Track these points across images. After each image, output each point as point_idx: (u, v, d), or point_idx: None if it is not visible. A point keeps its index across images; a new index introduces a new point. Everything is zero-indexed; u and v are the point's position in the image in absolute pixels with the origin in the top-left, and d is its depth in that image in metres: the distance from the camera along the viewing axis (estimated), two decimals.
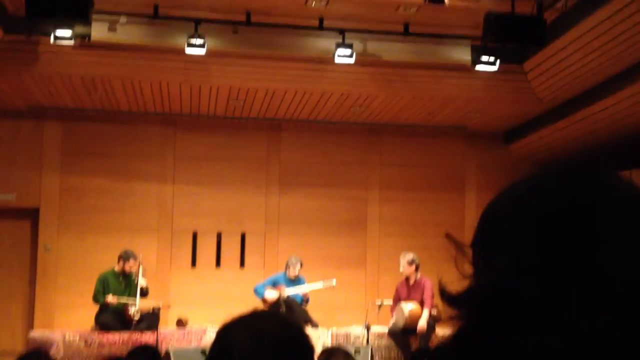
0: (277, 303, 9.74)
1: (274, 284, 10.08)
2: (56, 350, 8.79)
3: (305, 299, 10.13)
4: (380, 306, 9.82)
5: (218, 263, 11.25)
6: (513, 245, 0.72)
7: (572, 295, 0.68)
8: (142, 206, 11.08)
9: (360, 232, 11.62)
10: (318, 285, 10.25)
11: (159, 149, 11.21)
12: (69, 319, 10.36)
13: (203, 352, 8.34)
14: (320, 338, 9.53)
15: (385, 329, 9.74)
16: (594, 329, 0.67)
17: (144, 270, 9.81)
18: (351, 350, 7.92)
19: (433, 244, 10.79)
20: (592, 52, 7.92)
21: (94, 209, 10.93)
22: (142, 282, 9.69)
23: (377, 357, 9.62)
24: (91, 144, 11.00)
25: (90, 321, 9.61)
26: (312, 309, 10.06)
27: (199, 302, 10.95)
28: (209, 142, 11.33)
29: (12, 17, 8.16)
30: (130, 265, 9.68)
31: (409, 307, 9.47)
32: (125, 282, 9.70)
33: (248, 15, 8.34)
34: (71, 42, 8.19)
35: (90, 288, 9.61)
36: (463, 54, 8.86)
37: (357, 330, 9.91)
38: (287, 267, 10.18)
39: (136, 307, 9.51)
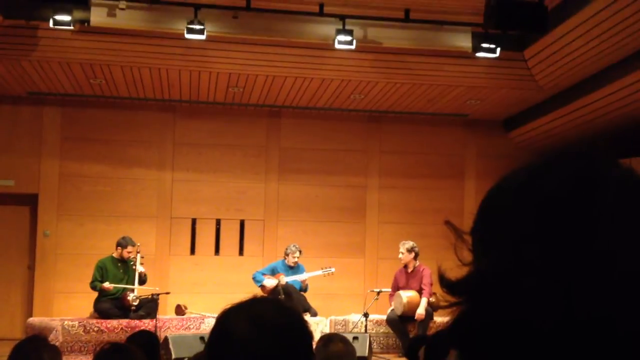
0: (275, 290, 9.76)
1: (273, 272, 10.10)
2: (55, 337, 8.82)
3: (304, 287, 10.16)
4: (378, 293, 9.85)
5: (217, 250, 11.27)
6: (513, 232, 0.72)
7: (572, 281, 0.67)
8: (141, 193, 11.09)
9: (360, 219, 11.63)
10: (317, 272, 10.28)
11: (158, 136, 11.20)
12: (68, 306, 10.39)
13: (202, 338, 8.37)
14: (318, 325, 9.56)
15: (383, 317, 9.77)
16: (593, 315, 0.66)
17: (142, 257, 9.83)
18: (349, 337, 7.95)
19: (432, 231, 10.80)
20: (593, 40, 7.90)
21: (93, 195, 10.94)
22: (140, 269, 9.71)
23: (375, 345, 9.65)
24: (90, 130, 10.99)
25: (89, 308, 9.64)
26: (310, 297, 10.09)
27: (198, 289, 10.98)
28: (209, 128, 11.32)
29: (11, 2, 8.13)
30: (129, 252, 9.69)
31: (407, 294, 9.50)
32: (124, 269, 9.71)
33: (248, 0, 8.31)
34: (70, 27, 8.17)
35: (89, 274, 9.63)
36: (464, 41, 8.83)
37: (355, 318, 9.94)
38: (286, 254, 10.20)
39: (135, 293, 9.54)
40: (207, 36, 8.27)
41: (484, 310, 0.71)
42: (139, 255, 9.76)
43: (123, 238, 9.79)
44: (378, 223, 11.66)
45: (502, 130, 11.84)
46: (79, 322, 9.21)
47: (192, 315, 9.99)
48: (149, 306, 9.45)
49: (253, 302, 1.53)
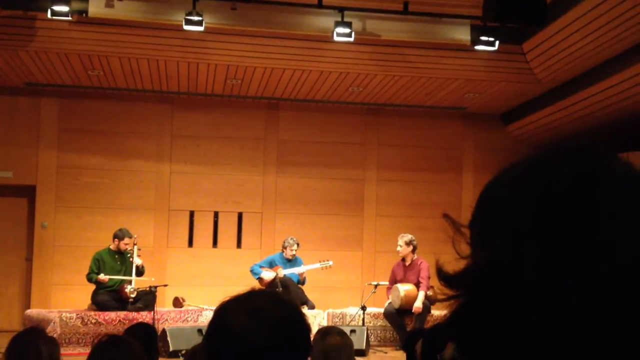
0: (273, 283, 9.77)
1: (271, 264, 10.11)
2: (52, 329, 8.83)
3: (302, 279, 10.17)
4: (376, 286, 9.87)
5: (215, 243, 11.27)
6: (511, 225, 0.72)
7: (571, 275, 0.67)
8: (139, 185, 11.08)
9: (358, 212, 11.63)
10: (315, 265, 10.29)
11: (156, 127, 11.19)
12: (66, 297, 10.40)
13: (200, 330, 8.38)
14: (316, 318, 9.58)
15: (381, 310, 9.78)
16: (593, 309, 0.66)
17: (139, 249, 9.83)
18: (347, 330, 7.96)
19: (430, 224, 10.80)
20: (592, 34, 7.89)
21: (91, 186, 10.93)
22: (137, 261, 9.71)
23: (372, 338, 9.67)
24: (88, 122, 10.98)
25: (87, 300, 9.65)
26: (308, 290, 10.10)
27: (196, 281, 10.99)
28: (207, 120, 11.30)
29: None
30: (126, 244, 9.69)
31: (404, 288, 9.51)
32: (121, 261, 9.72)
33: None
34: (68, 18, 8.15)
35: (86, 266, 9.63)
36: (462, 34, 8.82)
37: (353, 311, 9.96)
38: (283, 247, 10.20)
39: (132, 285, 9.54)
40: (206, 27, 8.25)
41: (482, 303, 0.71)
42: (135, 247, 9.77)
43: (120, 230, 9.79)
44: (376, 216, 11.67)
45: (500, 123, 11.83)
46: (77, 314, 9.21)
47: (190, 308, 10.00)
48: (147, 298, 9.45)
49: (251, 294, 1.53)
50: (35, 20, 8.49)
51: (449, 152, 11.90)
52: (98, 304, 9.43)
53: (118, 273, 9.60)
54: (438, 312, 9.46)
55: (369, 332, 9.38)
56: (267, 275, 9.94)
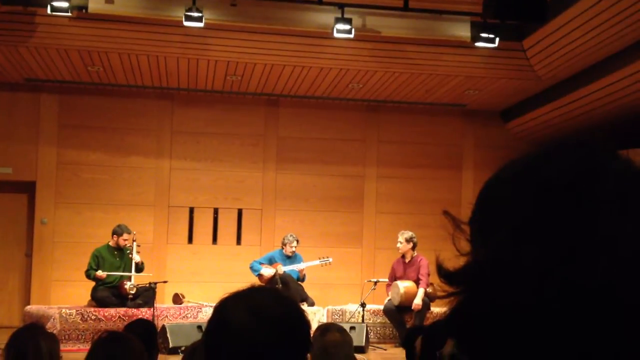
0: (273, 280, 9.78)
1: (271, 261, 10.11)
2: (52, 325, 8.83)
3: (301, 276, 10.18)
4: (376, 283, 9.87)
5: (215, 239, 11.27)
6: (512, 221, 0.72)
7: (571, 272, 0.67)
8: (138, 181, 11.08)
9: (357, 209, 11.64)
10: (314, 262, 10.29)
11: (156, 124, 11.18)
12: (66, 294, 10.40)
13: (199, 327, 8.39)
14: (316, 315, 9.58)
15: (380, 307, 9.79)
16: (593, 306, 0.66)
17: (138, 245, 9.82)
18: (346, 327, 7.96)
19: (430, 221, 10.81)
20: (592, 30, 7.88)
21: (91, 183, 10.93)
22: (136, 257, 9.70)
23: (372, 335, 9.68)
24: (88, 118, 10.97)
25: (87, 296, 9.65)
26: (308, 286, 10.11)
27: (196, 278, 10.99)
28: (206, 117, 11.30)
29: None
30: (125, 240, 9.68)
31: (404, 285, 9.51)
32: (120, 257, 9.71)
33: None
34: (68, 14, 8.14)
35: (86, 262, 9.62)
36: (462, 31, 8.81)
37: (352, 308, 9.96)
38: (283, 244, 10.21)
39: (132, 282, 9.54)
40: (206, 24, 8.25)
41: (481, 300, 0.71)
42: (135, 243, 9.76)
43: (119, 226, 9.78)
44: (376, 213, 11.67)
45: (500, 120, 11.83)
46: (77, 310, 9.22)
47: (190, 304, 10.01)
48: (147, 295, 9.45)
49: (251, 291, 1.53)
50: (35, 16, 8.48)
51: (449, 149, 11.90)
52: (98, 300, 9.43)
53: (117, 269, 9.60)
54: (438, 309, 9.46)
55: (368, 329, 9.39)
56: (267, 272, 9.94)
